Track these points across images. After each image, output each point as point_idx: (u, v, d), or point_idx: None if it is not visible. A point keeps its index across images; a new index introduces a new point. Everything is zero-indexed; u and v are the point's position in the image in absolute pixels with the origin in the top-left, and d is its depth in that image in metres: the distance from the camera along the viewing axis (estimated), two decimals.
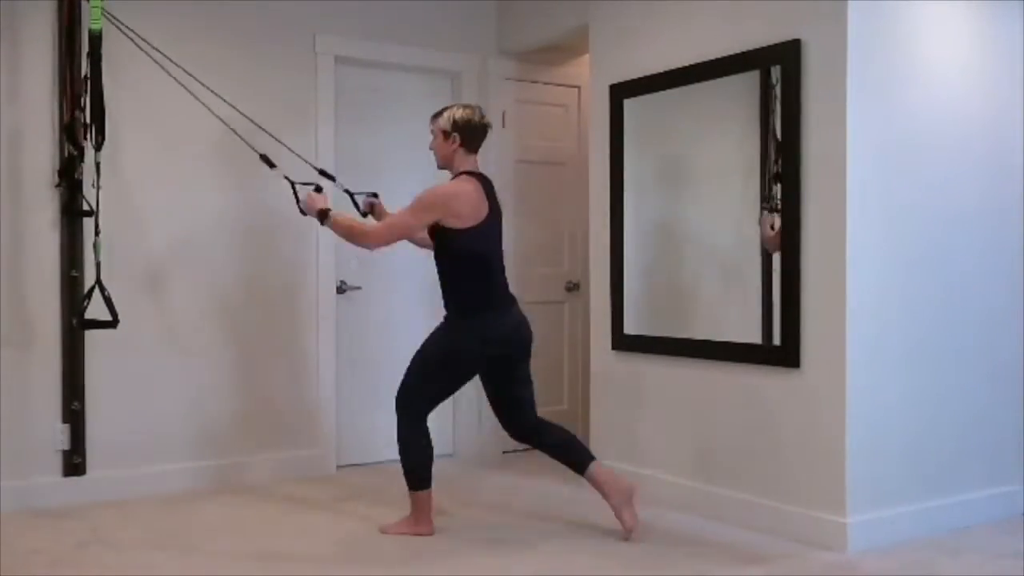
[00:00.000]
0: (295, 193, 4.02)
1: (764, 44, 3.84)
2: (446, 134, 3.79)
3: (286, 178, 4.07)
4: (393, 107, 5.22)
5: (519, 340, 3.81)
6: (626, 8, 4.52)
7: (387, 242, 3.79)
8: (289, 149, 4.32)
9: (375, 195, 4.14)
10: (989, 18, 4.01)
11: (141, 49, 4.11)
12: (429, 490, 3.79)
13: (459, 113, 3.80)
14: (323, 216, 3.82)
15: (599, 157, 4.69)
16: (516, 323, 3.80)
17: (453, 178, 3.82)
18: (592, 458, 3.80)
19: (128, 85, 4.35)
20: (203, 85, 4.22)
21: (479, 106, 3.97)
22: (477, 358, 3.77)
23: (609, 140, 4.59)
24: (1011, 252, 4.12)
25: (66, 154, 4.19)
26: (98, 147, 4.05)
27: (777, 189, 3.82)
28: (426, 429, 3.80)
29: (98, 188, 4.04)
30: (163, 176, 4.50)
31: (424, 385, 3.78)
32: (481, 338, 3.72)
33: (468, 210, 3.69)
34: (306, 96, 4.87)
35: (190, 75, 4.21)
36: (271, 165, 4.16)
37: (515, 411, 3.86)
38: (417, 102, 5.28)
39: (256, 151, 4.19)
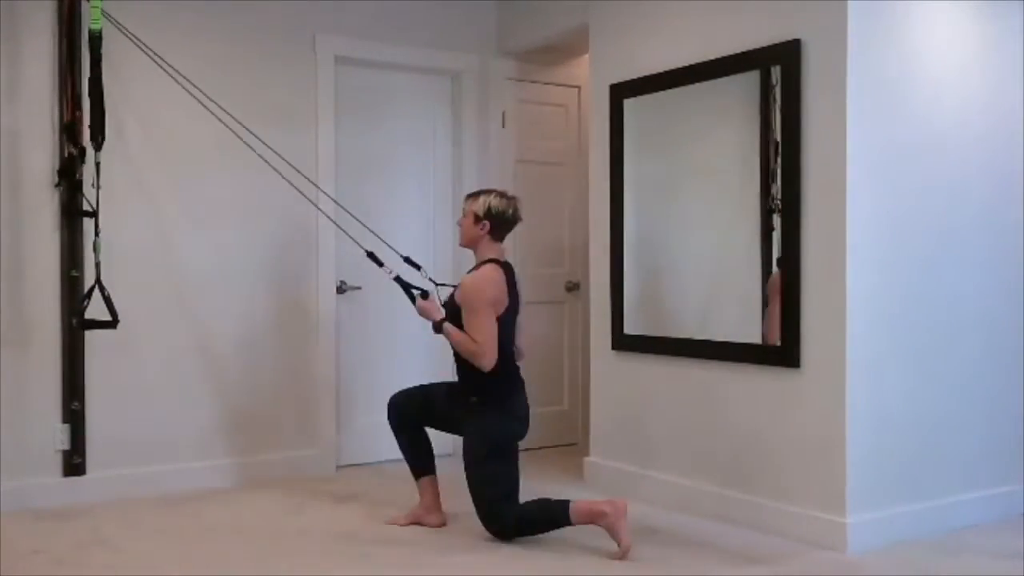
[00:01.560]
0: (410, 296, 3.88)
1: (764, 44, 3.84)
2: (477, 218, 3.81)
3: (397, 279, 3.92)
4: (393, 107, 5.22)
5: (528, 423, 3.87)
6: (626, 8, 4.52)
7: (493, 347, 3.69)
8: (372, 232, 4.26)
9: (426, 293, 3.90)
10: (989, 17, 4.01)
11: (143, 51, 4.11)
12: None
13: (495, 202, 3.81)
14: (439, 327, 3.78)
15: (599, 157, 4.69)
16: (527, 406, 3.87)
17: (477, 265, 3.84)
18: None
19: (128, 85, 4.35)
20: (203, 91, 4.22)
21: (516, 198, 3.93)
22: (513, 436, 3.80)
23: (609, 140, 4.59)
24: (1012, 251, 4.12)
25: (66, 154, 4.19)
26: (98, 147, 4.06)
27: (777, 189, 3.82)
28: (519, 507, 3.71)
29: (98, 188, 4.04)
30: (163, 176, 4.49)
31: (496, 482, 3.69)
32: (516, 417, 3.79)
33: (500, 299, 3.75)
34: (306, 96, 4.87)
35: (198, 88, 4.22)
36: (379, 264, 4.02)
37: (433, 426, 3.96)
38: (417, 102, 5.28)
39: (363, 248, 4.09)
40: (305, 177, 4.38)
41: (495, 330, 3.70)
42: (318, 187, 4.43)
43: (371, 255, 4.06)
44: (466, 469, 3.74)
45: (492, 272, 3.79)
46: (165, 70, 4.16)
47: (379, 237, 4.27)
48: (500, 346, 3.75)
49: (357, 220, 4.36)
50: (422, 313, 3.84)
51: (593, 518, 3.55)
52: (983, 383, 4.02)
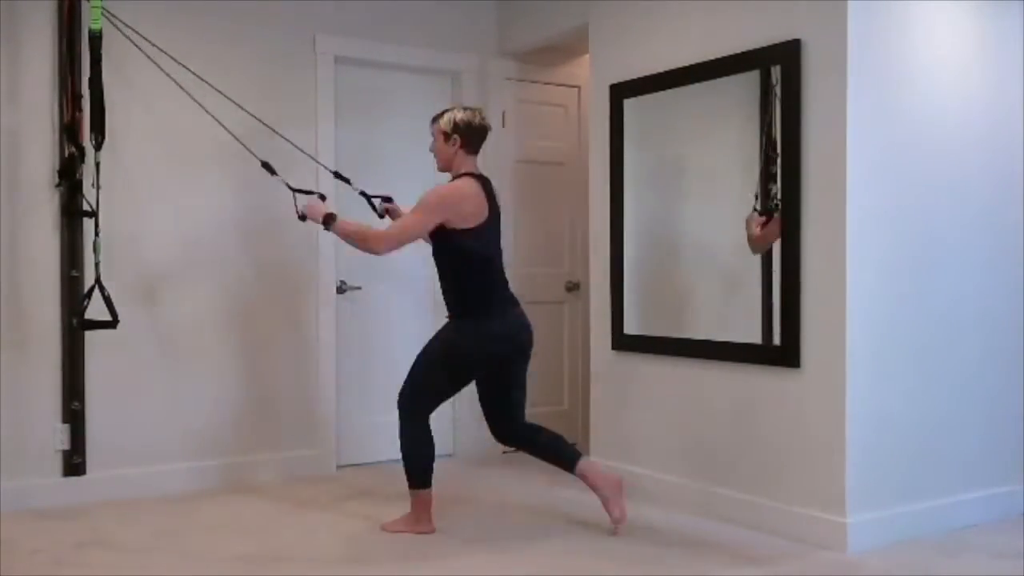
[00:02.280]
0: (295, 200, 4.00)
1: (764, 44, 3.84)
2: (446, 136, 3.81)
3: (287, 185, 4.07)
4: (393, 107, 5.22)
5: (520, 342, 3.82)
6: (626, 8, 4.52)
7: (398, 246, 3.74)
8: (302, 151, 4.32)
9: (389, 199, 4.14)
10: (990, 17, 4.01)
11: (141, 50, 4.12)
12: (430, 489, 3.80)
13: (460, 115, 3.82)
14: (329, 221, 3.79)
15: (599, 157, 4.69)
16: (519, 325, 3.81)
17: (453, 179, 3.83)
18: (579, 454, 3.83)
19: (128, 85, 4.35)
20: (207, 82, 4.22)
21: (480, 108, 3.98)
22: (479, 358, 3.78)
23: (609, 140, 4.59)
24: (1012, 251, 4.12)
25: (66, 154, 4.19)
26: (98, 147, 4.06)
27: (776, 189, 3.83)
28: (428, 429, 3.81)
29: (98, 188, 4.04)
30: (163, 176, 4.50)
31: (426, 385, 3.79)
32: (484, 337, 3.74)
33: (471, 210, 3.71)
34: (306, 96, 4.87)
35: (195, 74, 4.22)
36: (272, 172, 4.16)
37: (505, 413, 3.87)
38: (417, 102, 5.28)
39: (258, 158, 4.19)
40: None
41: (415, 231, 3.69)
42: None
43: (265, 164, 4.13)
44: (417, 358, 3.81)
45: (465, 184, 3.75)
46: (167, 72, 4.16)
47: (300, 149, 4.36)
48: (488, 259, 3.76)
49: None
50: (308, 212, 3.86)
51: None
52: (983, 383, 4.02)
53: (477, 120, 3.83)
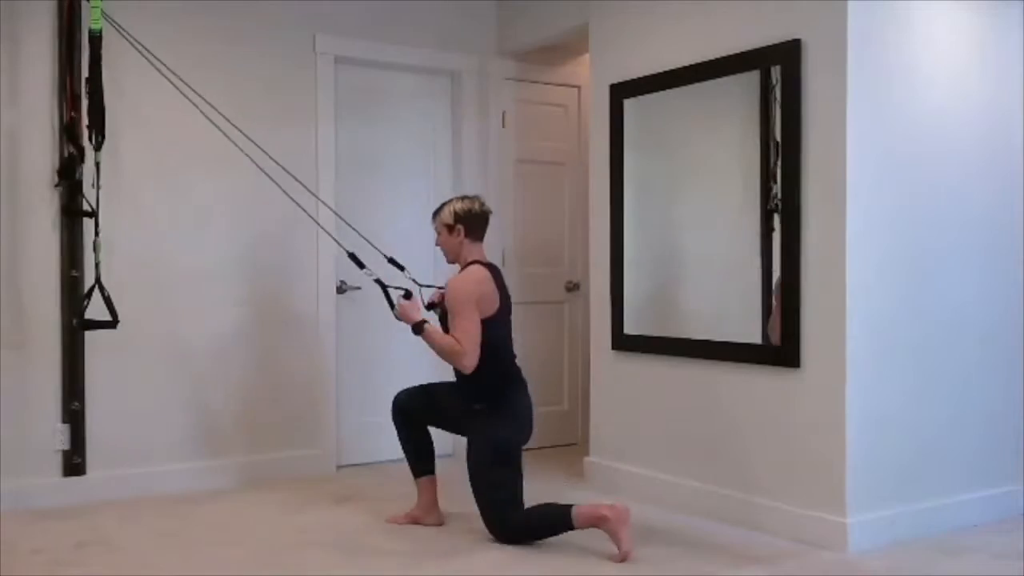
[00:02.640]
0: (388, 298, 3.84)
1: (764, 44, 3.84)
2: (450, 228, 3.83)
3: (377, 281, 3.88)
4: (393, 107, 5.22)
5: (532, 426, 3.86)
6: (626, 8, 4.52)
7: (475, 348, 3.67)
8: (356, 232, 4.26)
9: (409, 294, 3.86)
10: (990, 18, 4.01)
11: (143, 56, 4.11)
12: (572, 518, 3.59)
13: (459, 205, 3.84)
14: (419, 328, 3.73)
15: (599, 157, 4.69)
16: (530, 407, 3.86)
17: (463, 268, 3.82)
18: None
19: (129, 85, 4.34)
20: (202, 96, 4.22)
21: (478, 196, 3.97)
22: (522, 441, 3.80)
23: (609, 140, 4.59)
24: (1011, 251, 4.12)
25: (66, 154, 4.19)
26: (98, 147, 4.06)
27: (776, 189, 3.82)
28: (523, 507, 3.69)
29: (98, 188, 4.04)
30: (163, 176, 4.50)
31: (505, 488, 3.68)
32: (519, 421, 3.78)
33: (489, 298, 3.75)
34: (306, 96, 4.87)
35: (193, 89, 4.22)
36: (361, 266, 4.00)
37: (435, 424, 3.97)
38: (417, 102, 5.28)
39: (345, 249, 4.10)
40: (291, 175, 4.28)
41: (478, 331, 3.68)
42: (303, 184, 4.32)
43: (352, 256, 4.04)
44: (471, 476, 3.72)
45: (478, 272, 3.78)
46: (160, 71, 4.15)
47: (363, 237, 4.27)
48: (498, 348, 3.76)
49: (340, 218, 4.31)
50: (402, 314, 3.78)
51: (595, 522, 3.52)
52: (983, 383, 4.02)
53: (477, 207, 3.84)
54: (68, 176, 4.18)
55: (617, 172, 4.55)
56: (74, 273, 4.23)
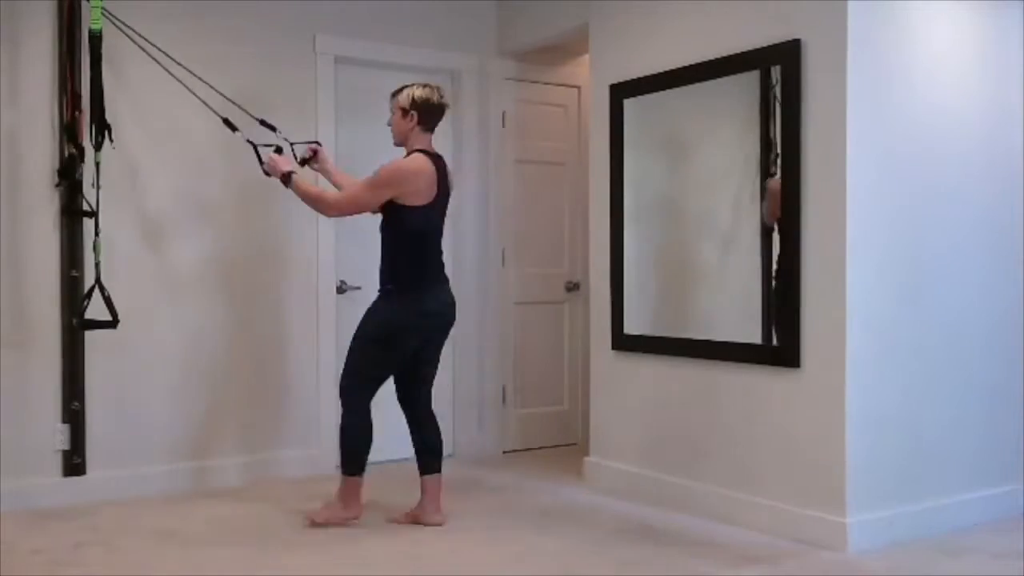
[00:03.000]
0: (258, 155, 4.06)
1: (764, 44, 3.84)
2: (404, 111, 3.89)
3: (248, 141, 4.12)
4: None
5: (447, 320, 3.95)
6: (626, 8, 4.52)
7: (346, 214, 3.95)
8: (229, 100, 4.33)
9: (317, 143, 4.25)
10: (990, 18, 4.01)
11: (140, 47, 4.12)
12: (362, 476, 3.88)
13: (418, 92, 3.89)
14: (286, 179, 3.90)
15: (599, 157, 4.69)
16: (448, 302, 3.94)
17: (407, 155, 3.89)
18: (433, 471, 3.94)
19: (128, 84, 4.35)
20: (192, 74, 4.22)
21: (440, 86, 4.03)
22: (413, 332, 3.85)
23: (609, 140, 4.59)
24: (1011, 251, 4.12)
25: (66, 154, 4.19)
26: (98, 147, 4.06)
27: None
28: (368, 412, 3.87)
29: (98, 188, 4.05)
30: (164, 176, 4.50)
31: (364, 366, 3.86)
32: (420, 311, 3.83)
33: (424, 188, 3.79)
34: (306, 96, 4.87)
35: (190, 70, 4.23)
36: (233, 129, 4.19)
37: (416, 388, 4.00)
38: None
39: (219, 115, 4.23)
40: (210, 85, 4.31)
41: (366, 203, 3.82)
42: (226, 121, 4.28)
43: (226, 121, 4.17)
44: (355, 336, 3.88)
45: (418, 161, 3.81)
46: (163, 65, 4.16)
47: (232, 101, 4.31)
48: (427, 235, 3.84)
49: (220, 94, 4.32)
50: (270, 167, 3.94)
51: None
52: (983, 383, 4.02)
53: (435, 98, 3.89)
54: (68, 176, 4.18)
55: (617, 172, 4.55)
56: (74, 273, 4.23)
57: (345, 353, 4.99)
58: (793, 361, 3.73)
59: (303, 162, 4.18)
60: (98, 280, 4.02)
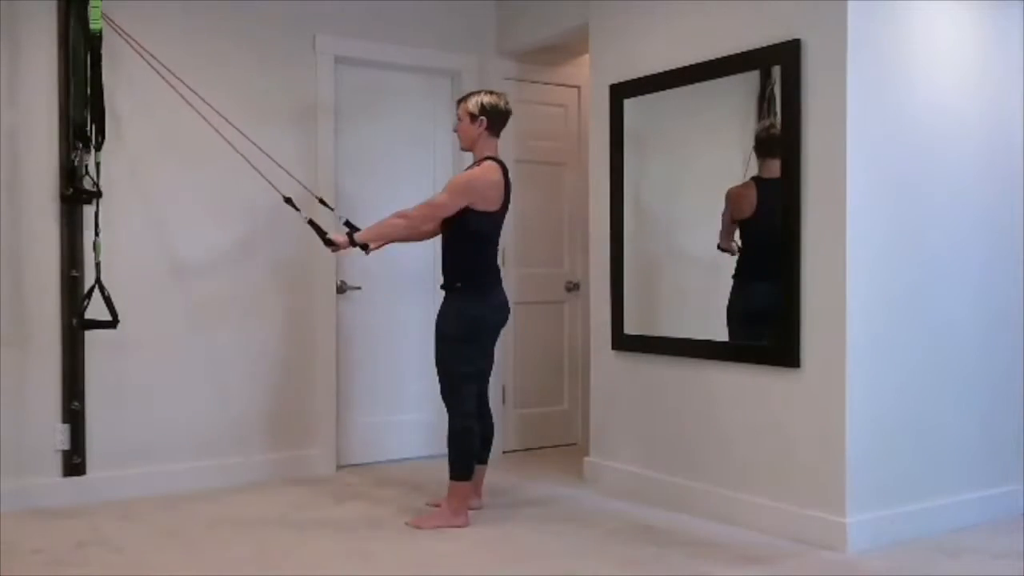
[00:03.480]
0: (321, 234, 4.13)
1: (764, 44, 3.84)
2: (473, 117, 3.99)
3: (310, 222, 4.18)
4: (393, 107, 5.22)
5: (507, 314, 4.11)
6: (626, 8, 4.52)
7: (431, 223, 4.00)
8: (288, 174, 4.35)
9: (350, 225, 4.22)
10: (990, 18, 4.01)
11: (141, 56, 4.12)
12: (470, 482, 3.97)
13: (487, 98, 4.01)
14: (352, 242, 4.03)
15: (599, 157, 4.69)
16: (506, 299, 4.11)
17: (477, 161, 4.00)
18: (472, 470, 3.98)
19: (129, 84, 4.35)
20: (202, 99, 4.22)
21: (505, 93, 4.19)
22: (493, 322, 4.02)
23: (609, 140, 4.59)
24: (1012, 251, 4.12)
25: (68, 154, 4.18)
26: (98, 147, 4.06)
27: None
28: (473, 414, 3.96)
29: (98, 188, 4.04)
30: (164, 176, 4.49)
31: (459, 364, 3.93)
32: (493, 304, 4.01)
33: (494, 196, 3.95)
34: (306, 96, 4.87)
35: (194, 91, 4.22)
36: (296, 209, 4.25)
37: (480, 383, 4.08)
38: (417, 102, 5.28)
39: (281, 193, 4.28)
40: (252, 142, 4.36)
41: (446, 207, 3.90)
42: (288, 201, 4.33)
43: (288, 200, 4.24)
44: (437, 343, 3.96)
45: (491, 170, 3.96)
46: (156, 70, 4.16)
47: (292, 176, 4.41)
48: (489, 239, 4.00)
49: (275, 162, 4.39)
50: (335, 240, 4.08)
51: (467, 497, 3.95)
52: (982, 383, 4.02)
53: (503, 104, 4.05)
54: (69, 176, 4.17)
55: (617, 172, 4.55)
56: (74, 273, 4.23)
57: (344, 353, 5.04)
58: (793, 361, 3.73)
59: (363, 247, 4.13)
60: (98, 280, 4.02)
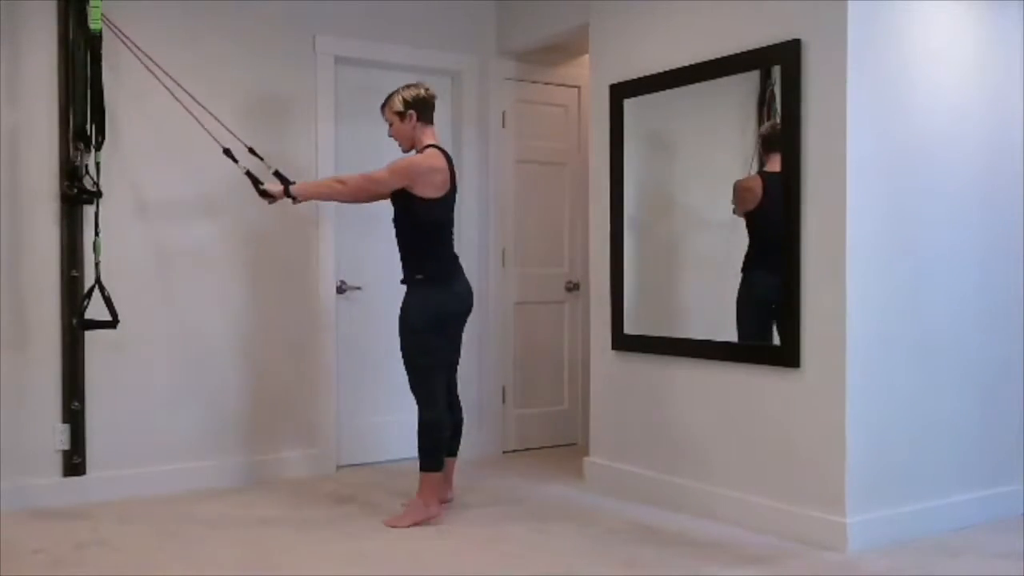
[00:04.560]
0: (255, 183, 4.18)
1: (764, 44, 3.84)
2: (401, 115, 4.02)
3: (247, 173, 4.20)
4: None
5: (469, 304, 4.12)
6: (626, 8, 4.52)
7: (363, 194, 4.03)
8: (226, 128, 4.38)
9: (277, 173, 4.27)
10: (990, 18, 4.01)
11: (135, 55, 4.12)
12: (442, 471, 4.02)
13: (407, 93, 4.03)
14: (288, 193, 4.09)
15: (599, 157, 4.69)
16: (468, 288, 4.12)
17: (420, 151, 4.00)
18: (444, 463, 4.06)
19: (129, 84, 4.35)
20: (196, 100, 4.22)
21: (423, 81, 4.20)
22: (456, 311, 4.04)
23: (609, 140, 4.59)
24: (1011, 251, 4.12)
25: (68, 154, 4.18)
26: (98, 147, 4.06)
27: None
28: (442, 405, 3.99)
29: (98, 187, 4.04)
30: (164, 176, 4.49)
31: (424, 356, 3.95)
32: (455, 293, 4.02)
33: (439, 182, 3.94)
34: (306, 96, 4.86)
35: (185, 90, 4.22)
36: (235, 160, 4.25)
37: (448, 373, 4.13)
38: None
39: (221, 145, 4.28)
40: (203, 106, 4.33)
41: (385, 183, 3.91)
42: (227, 152, 4.31)
43: (227, 152, 4.24)
44: (402, 337, 3.97)
45: (434, 158, 3.95)
46: (151, 70, 4.15)
47: (227, 128, 4.37)
48: (443, 227, 4.01)
49: (215, 118, 4.37)
50: (269, 191, 4.12)
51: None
52: (982, 383, 4.02)
53: (423, 92, 4.04)
54: (69, 176, 4.17)
55: (617, 172, 4.55)
56: (74, 273, 4.23)
57: (345, 353, 5.04)
58: (793, 361, 3.73)
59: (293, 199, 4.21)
60: (98, 280, 4.02)
